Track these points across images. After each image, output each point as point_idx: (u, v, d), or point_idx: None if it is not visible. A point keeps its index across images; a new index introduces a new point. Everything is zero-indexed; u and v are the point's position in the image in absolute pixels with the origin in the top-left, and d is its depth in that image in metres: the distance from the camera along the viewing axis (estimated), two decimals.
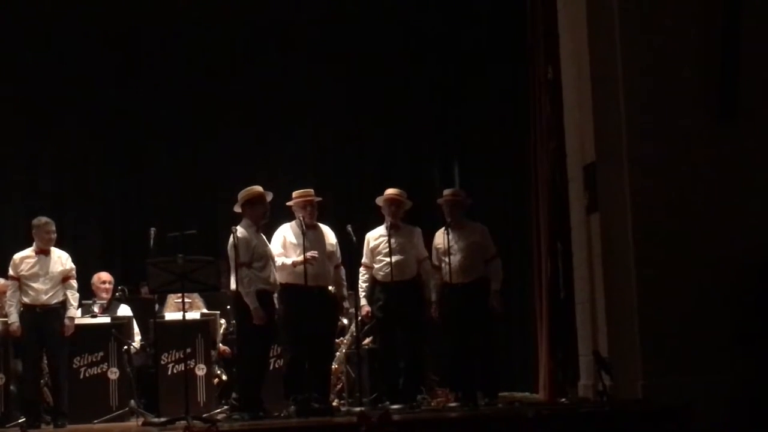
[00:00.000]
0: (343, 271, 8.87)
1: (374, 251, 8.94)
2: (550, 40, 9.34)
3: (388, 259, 8.78)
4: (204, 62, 11.75)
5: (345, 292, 8.92)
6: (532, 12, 9.92)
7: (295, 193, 8.65)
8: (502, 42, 11.17)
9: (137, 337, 9.51)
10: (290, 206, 8.66)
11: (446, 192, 9.23)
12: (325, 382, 8.62)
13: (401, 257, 8.81)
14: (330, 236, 8.73)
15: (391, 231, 8.84)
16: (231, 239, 8.22)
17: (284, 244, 8.55)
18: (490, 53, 11.49)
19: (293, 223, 8.65)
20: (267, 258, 8.37)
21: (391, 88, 11.91)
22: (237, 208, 8.49)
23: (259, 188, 8.48)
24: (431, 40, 11.93)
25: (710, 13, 8.13)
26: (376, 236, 8.98)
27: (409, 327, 8.80)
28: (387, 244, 8.81)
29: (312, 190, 8.69)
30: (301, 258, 8.36)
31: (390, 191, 8.99)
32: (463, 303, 8.78)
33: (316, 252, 8.41)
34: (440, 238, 8.94)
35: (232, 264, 8.23)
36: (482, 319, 8.82)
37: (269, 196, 8.48)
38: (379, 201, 8.99)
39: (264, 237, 8.48)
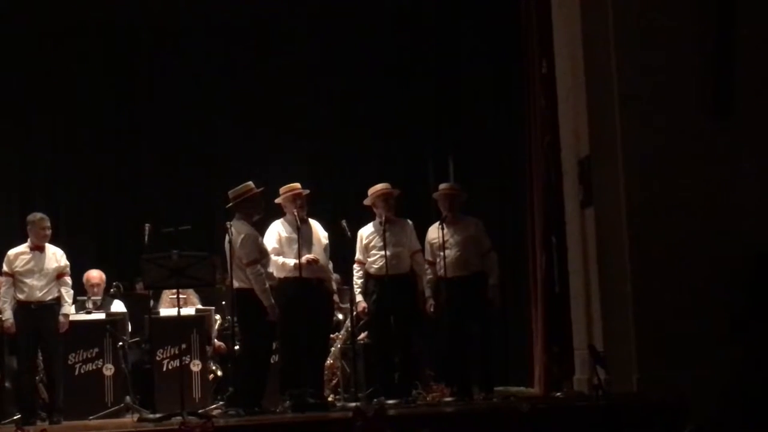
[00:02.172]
0: (331, 264, 8.88)
1: (368, 247, 8.94)
2: (544, 35, 9.34)
3: (381, 253, 8.80)
4: (199, 59, 11.73)
5: (335, 285, 8.95)
6: (526, 6, 9.91)
7: (282, 189, 8.63)
8: (497, 36, 11.16)
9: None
10: (279, 203, 8.64)
11: (442, 186, 9.24)
12: (320, 377, 8.62)
13: (395, 251, 8.81)
14: (320, 230, 8.73)
15: (385, 225, 8.84)
16: (239, 236, 8.16)
17: (279, 240, 8.54)
18: (485, 47, 11.47)
19: (284, 219, 8.64)
20: (268, 254, 8.38)
21: (386, 83, 11.90)
22: (230, 206, 8.47)
23: (251, 184, 8.47)
24: (426, 35, 11.93)
25: (705, 7, 8.13)
26: (369, 232, 8.99)
27: (403, 321, 8.81)
28: (380, 239, 8.82)
29: (298, 184, 8.66)
30: (303, 260, 8.36)
31: (379, 187, 8.97)
32: (459, 297, 8.79)
33: (313, 255, 8.42)
34: (434, 232, 8.94)
35: (246, 260, 8.19)
36: (479, 313, 8.83)
37: (260, 190, 8.46)
38: (369, 200, 8.98)
39: None
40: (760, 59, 8.14)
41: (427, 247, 9.01)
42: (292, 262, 8.42)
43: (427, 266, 8.96)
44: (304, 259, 8.37)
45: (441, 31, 11.90)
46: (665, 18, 8.19)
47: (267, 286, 8.15)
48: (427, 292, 8.94)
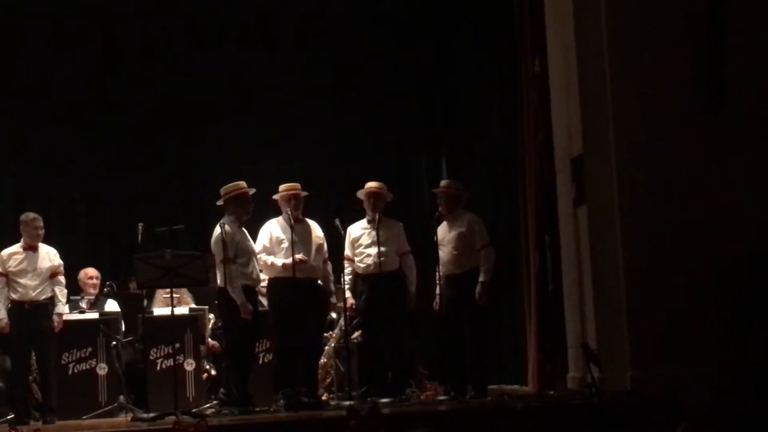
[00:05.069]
0: (329, 265, 8.88)
1: (355, 244, 8.95)
2: (537, 33, 9.35)
3: (367, 251, 8.84)
4: (191, 57, 11.72)
5: (332, 286, 8.94)
6: (519, 5, 9.92)
7: (281, 187, 8.67)
8: (490, 35, 11.17)
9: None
10: (276, 200, 8.66)
11: (442, 183, 9.26)
12: (314, 376, 8.63)
13: (382, 250, 8.80)
14: (317, 230, 8.75)
15: (373, 224, 8.85)
16: (216, 234, 8.22)
17: (270, 240, 8.55)
18: (478, 46, 11.48)
19: (279, 218, 8.67)
20: (250, 254, 8.40)
21: (379, 81, 11.90)
22: (220, 203, 8.51)
23: (242, 184, 8.50)
24: (419, 33, 11.93)
25: (697, 4, 8.14)
26: (358, 229, 9.00)
27: (392, 320, 8.80)
28: (368, 237, 8.86)
29: (298, 184, 8.69)
30: (290, 260, 8.38)
31: (370, 184, 8.99)
32: (453, 295, 8.79)
33: (302, 255, 8.42)
34: (437, 230, 8.96)
35: (218, 259, 8.24)
36: (473, 311, 8.81)
37: (251, 192, 8.50)
38: (360, 194, 9.00)
39: (246, 232, 8.50)
40: (751, 57, 8.15)
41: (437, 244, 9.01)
42: (279, 262, 8.45)
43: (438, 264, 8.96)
44: (289, 260, 8.39)
45: (435, 30, 11.89)
46: (657, 17, 8.20)
47: (237, 284, 8.18)
48: (437, 290, 8.94)
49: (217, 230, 8.26)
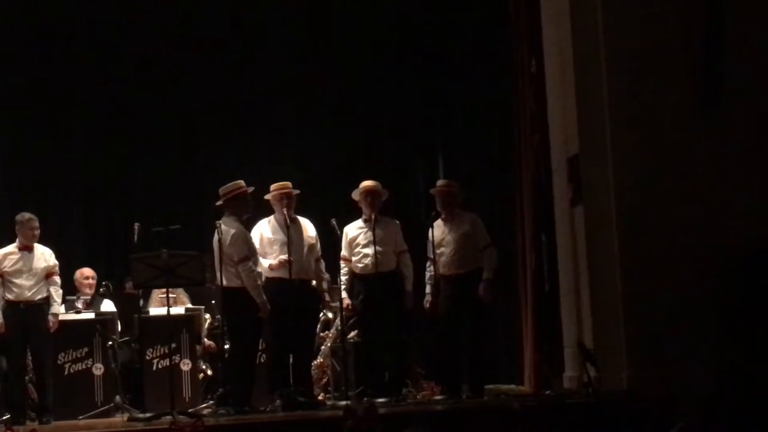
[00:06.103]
0: (323, 264, 8.86)
1: (352, 244, 8.94)
2: (533, 33, 9.35)
3: (365, 251, 8.82)
4: (186, 57, 11.70)
5: (325, 285, 8.91)
6: (515, 5, 9.92)
7: (272, 187, 8.64)
8: (487, 35, 11.16)
9: None
10: (268, 200, 8.64)
11: (439, 183, 9.24)
12: (307, 376, 8.62)
13: (379, 249, 8.79)
14: (310, 229, 8.72)
15: (370, 223, 8.84)
16: (229, 234, 8.16)
17: (261, 241, 8.55)
18: (475, 45, 11.48)
19: (270, 218, 8.65)
20: (257, 252, 8.39)
21: (375, 81, 11.90)
22: (219, 203, 8.48)
23: (241, 183, 8.48)
24: (416, 33, 11.93)
25: (694, 3, 8.15)
26: (354, 229, 8.99)
27: (390, 320, 8.79)
28: (365, 237, 8.84)
29: (289, 183, 8.67)
30: (274, 262, 8.39)
31: (365, 183, 8.98)
32: (455, 295, 8.78)
33: (285, 257, 8.41)
34: (435, 230, 8.94)
35: (218, 259, 8.19)
36: (473, 312, 8.80)
37: (250, 190, 8.48)
38: (355, 195, 8.98)
39: None
40: (747, 55, 8.15)
41: (429, 244, 9.00)
42: (266, 263, 8.45)
43: (429, 263, 8.95)
44: (276, 261, 8.38)
45: (431, 31, 11.89)
46: (654, 16, 8.20)
47: (258, 282, 8.17)
48: (428, 289, 8.93)
49: (232, 229, 8.21)
